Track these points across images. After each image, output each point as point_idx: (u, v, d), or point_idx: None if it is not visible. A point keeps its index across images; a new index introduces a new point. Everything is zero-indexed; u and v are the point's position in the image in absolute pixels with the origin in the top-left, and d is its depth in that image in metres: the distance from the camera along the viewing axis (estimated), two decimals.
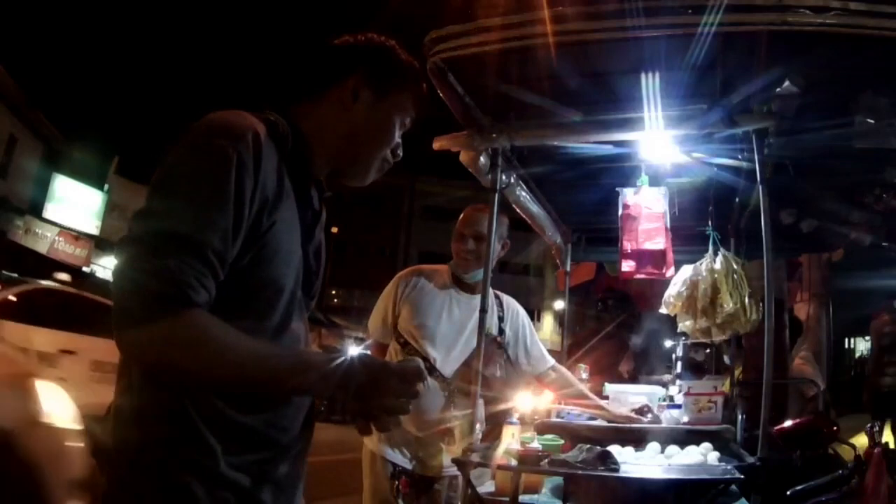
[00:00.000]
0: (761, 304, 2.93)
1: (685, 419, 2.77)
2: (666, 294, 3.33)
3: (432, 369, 2.53)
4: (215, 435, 1.01)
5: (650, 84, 2.40)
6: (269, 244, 1.05)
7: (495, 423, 2.53)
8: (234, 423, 1.04)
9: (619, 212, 3.28)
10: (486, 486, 2.30)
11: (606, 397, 3.04)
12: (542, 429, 2.78)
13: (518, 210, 3.43)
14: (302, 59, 1.31)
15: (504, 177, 2.85)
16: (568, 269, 4.35)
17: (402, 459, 2.51)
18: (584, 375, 3.40)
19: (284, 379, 1.01)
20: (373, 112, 1.23)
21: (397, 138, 1.28)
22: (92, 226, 18.71)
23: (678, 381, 3.33)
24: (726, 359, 4.19)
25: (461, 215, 2.76)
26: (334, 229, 28.30)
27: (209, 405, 1.01)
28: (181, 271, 0.93)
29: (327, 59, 1.26)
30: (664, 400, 3.09)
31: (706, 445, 2.33)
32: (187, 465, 0.99)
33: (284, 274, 1.10)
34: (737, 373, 4.00)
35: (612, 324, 4.89)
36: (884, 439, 2.97)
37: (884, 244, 3.52)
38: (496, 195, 2.72)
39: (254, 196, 1.02)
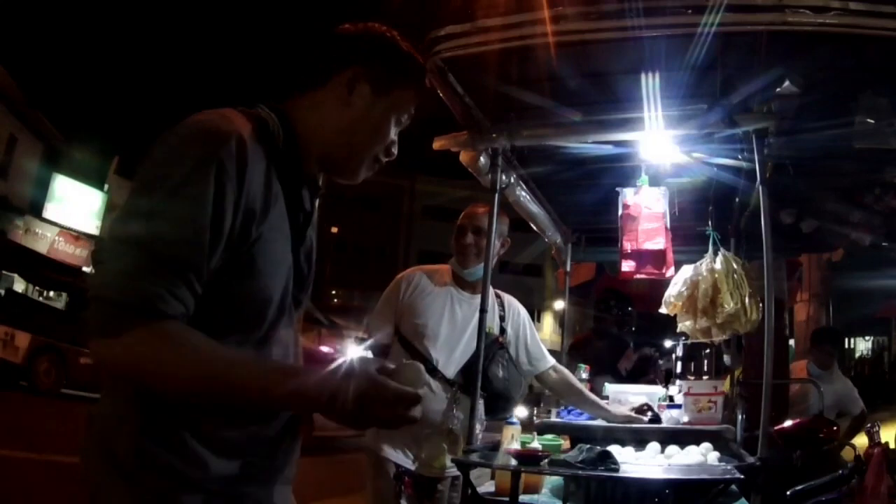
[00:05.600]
0: (761, 304, 2.93)
1: (685, 419, 2.77)
2: (666, 294, 3.32)
3: (435, 370, 2.53)
4: (201, 444, 0.99)
5: (650, 84, 2.40)
6: (258, 256, 1.01)
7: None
8: (217, 435, 1.00)
9: (619, 212, 3.28)
10: (486, 486, 2.30)
11: (606, 397, 3.05)
12: (542, 429, 2.79)
13: (518, 210, 3.43)
14: (299, 49, 1.25)
15: (504, 177, 2.85)
16: (568, 269, 4.35)
17: (404, 460, 2.51)
18: (585, 375, 3.40)
19: (261, 395, 0.96)
20: (370, 108, 1.16)
21: (393, 136, 1.21)
22: (92, 226, 18.72)
23: (678, 381, 3.33)
24: (726, 359, 4.19)
25: (462, 212, 2.76)
26: (334, 229, 28.31)
27: (191, 414, 0.98)
28: (150, 283, 0.90)
29: (324, 49, 1.18)
30: (664, 400, 3.09)
31: (706, 445, 2.33)
32: (168, 474, 0.96)
33: (272, 285, 1.05)
34: (737, 373, 3.99)
35: (612, 324, 4.88)
36: (883, 439, 2.97)
37: (884, 244, 3.51)
38: (496, 195, 2.72)
39: (237, 206, 0.96)
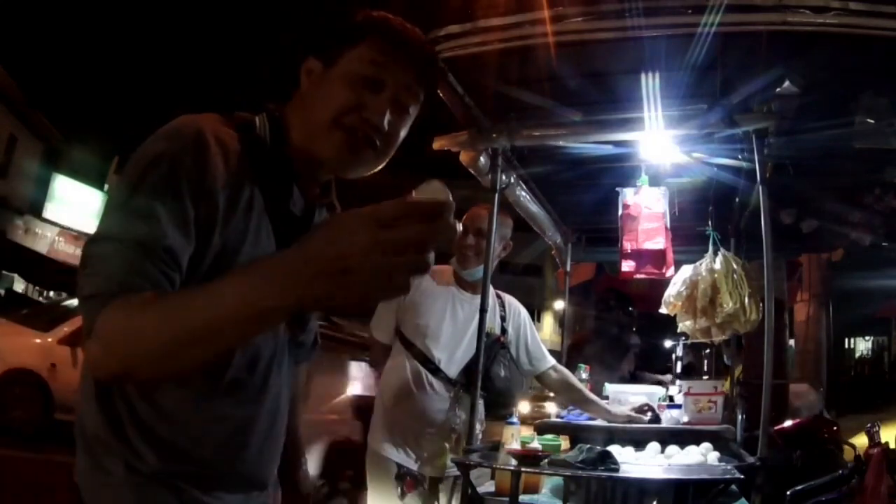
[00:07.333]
0: (761, 304, 2.93)
1: (685, 419, 2.78)
2: (666, 294, 3.33)
3: (437, 370, 2.53)
4: (144, 441, 0.97)
5: (650, 84, 2.40)
6: (225, 259, 0.96)
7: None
8: (156, 433, 0.98)
9: (619, 212, 3.28)
10: (486, 486, 2.30)
11: (606, 397, 3.05)
12: (542, 429, 2.79)
13: (518, 210, 3.43)
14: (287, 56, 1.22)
15: (504, 177, 2.85)
16: (568, 269, 4.35)
17: (406, 460, 2.51)
18: (584, 375, 3.40)
19: (230, 307, 0.76)
20: (321, 80, 1.08)
21: (360, 99, 1.05)
22: (92, 226, 18.68)
23: (678, 381, 3.33)
24: (727, 359, 4.19)
25: (466, 213, 2.76)
26: None
27: (138, 410, 0.97)
28: (120, 270, 0.87)
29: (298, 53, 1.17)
30: (664, 400, 3.09)
31: (706, 445, 2.33)
32: (123, 463, 0.97)
33: None
34: (737, 373, 4.00)
35: (612, 323, 4.88)
36: (883, 439, 2.98)
37: (884, 244, 3.52)
38: (496, 195, 2.72)
39: (196, 199, 0.94)
